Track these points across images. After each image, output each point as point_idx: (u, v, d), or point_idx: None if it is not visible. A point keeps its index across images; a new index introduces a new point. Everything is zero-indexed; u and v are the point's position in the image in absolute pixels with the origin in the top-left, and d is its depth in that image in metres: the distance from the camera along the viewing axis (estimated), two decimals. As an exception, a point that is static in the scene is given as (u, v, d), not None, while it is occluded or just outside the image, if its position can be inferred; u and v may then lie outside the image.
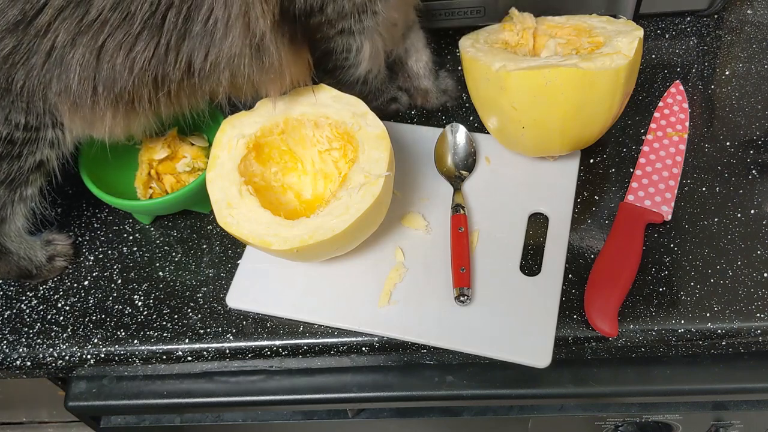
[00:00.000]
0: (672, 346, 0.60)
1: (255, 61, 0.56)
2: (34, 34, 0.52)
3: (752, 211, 0.64)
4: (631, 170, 0.68)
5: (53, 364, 0.63)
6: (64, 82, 0.54)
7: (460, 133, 0.70)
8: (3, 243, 0.62)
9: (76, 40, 0.52)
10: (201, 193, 0.64)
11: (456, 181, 0.67)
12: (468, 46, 0.65)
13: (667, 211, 0.64)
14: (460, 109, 0.75)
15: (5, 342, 0.63)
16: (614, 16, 0.72)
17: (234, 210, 0.57)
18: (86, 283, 0.66)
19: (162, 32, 0.52)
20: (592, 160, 0.69)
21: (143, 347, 0.62)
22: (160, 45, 0.53)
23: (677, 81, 0.73)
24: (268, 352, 0.61)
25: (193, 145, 0.70)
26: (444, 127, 0.70)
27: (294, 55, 0.59)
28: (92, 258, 0.68)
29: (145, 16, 0.51)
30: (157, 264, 0.67)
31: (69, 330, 0.63)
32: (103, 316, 0.64)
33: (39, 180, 0.61)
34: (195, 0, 0.52)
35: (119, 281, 0.66)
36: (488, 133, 0.70)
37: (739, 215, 0.64)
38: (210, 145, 0.71)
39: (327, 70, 0.64)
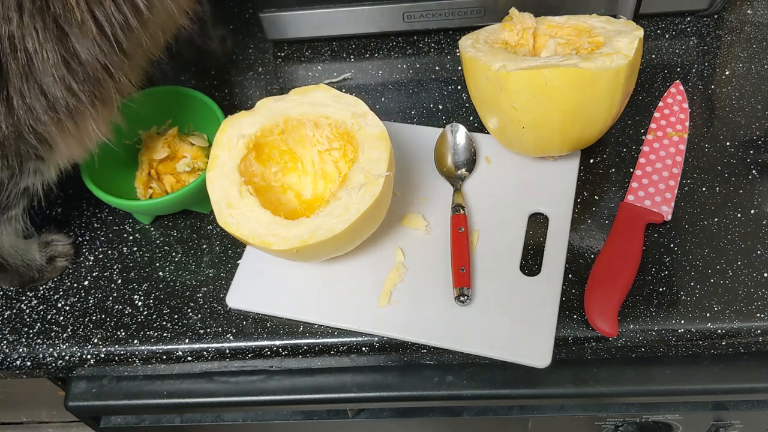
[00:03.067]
0: (672, 346, 0.60)
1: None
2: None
3: (752, 211, 0.64)
4: (631, 170, 0.68)
5: (53, 364, 0.63)
6: (46, 93, 0.51)
7: (460, 133, 0.70)
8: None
9: (43, 36, 0.48)
10: (201, 193, 0.64)
11: (456, 181, 0.67)
12: (468, 46, 0.65)
13: (667, 211, 0.64)
14: (460, 109, 0.75)
15: (5, 342, 0.63)
16: (614, 16, 0.72)
17: (234, 210, 0.57)
18: (86, 283, 0.66)
19: None
20: (592, 160, 0.69)
21: (143, 347, 0.62)
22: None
23: (677, 81, 0.73)
24: (268, 352, 0.61)
25: (193, 145, 0.70)
26: (444, 127, 0.70)
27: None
28: (92, 258, 0.68)
29: None
30: (157, 264, 0.67)
31: (69, 330, 0.63)
32: (103, 316, 0.64)
33: (24, 201, 0.60)
34: None
35: (119, 281, 0.66)
36: (488, 133, 0.70)
37: (739, 215, 0.64)
38: (210, 145, 0.71)
39: None
